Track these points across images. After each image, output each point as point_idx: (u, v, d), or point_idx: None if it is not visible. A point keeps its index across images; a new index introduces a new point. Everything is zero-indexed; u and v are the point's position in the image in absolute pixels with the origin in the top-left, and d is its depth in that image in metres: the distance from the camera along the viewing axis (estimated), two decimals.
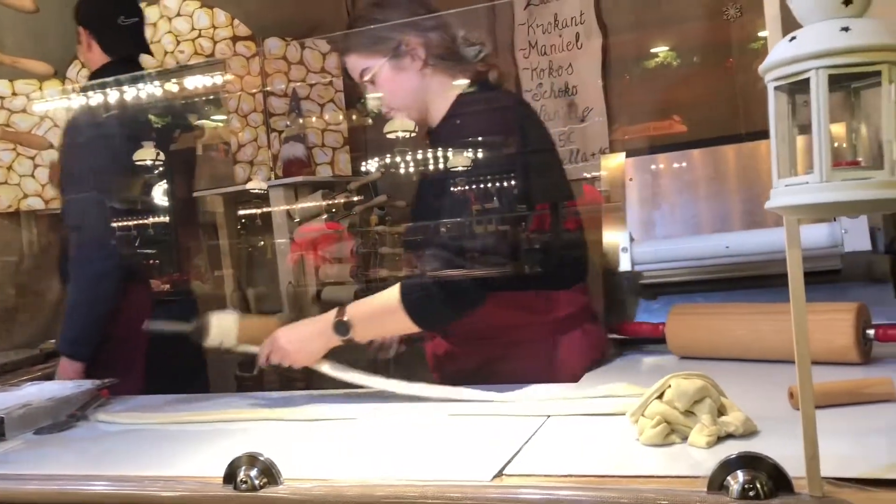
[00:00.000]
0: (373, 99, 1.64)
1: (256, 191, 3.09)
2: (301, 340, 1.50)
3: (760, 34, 3.03)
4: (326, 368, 1.51)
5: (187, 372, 2.39)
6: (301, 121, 3.05)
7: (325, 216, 3.05)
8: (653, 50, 3.19)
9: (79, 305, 2.05)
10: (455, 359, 1.61)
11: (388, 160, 3.27)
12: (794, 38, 0.72)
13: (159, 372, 2.15)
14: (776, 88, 0.75)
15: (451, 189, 1.49)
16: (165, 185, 2.68)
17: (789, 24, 0.75)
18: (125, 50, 2.29)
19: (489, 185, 1.47)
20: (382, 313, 1.46)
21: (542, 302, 1.53)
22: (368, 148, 3.28)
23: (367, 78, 1.60)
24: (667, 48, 3.20)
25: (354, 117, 3.24)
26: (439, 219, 1.49)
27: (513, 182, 1.47)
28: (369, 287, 3.16)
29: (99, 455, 1.30)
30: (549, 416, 1.21)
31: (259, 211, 3.23)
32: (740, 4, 3.04)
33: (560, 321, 1.52)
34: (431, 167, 1.61)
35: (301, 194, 3.07)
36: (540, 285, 1.51)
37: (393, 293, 1.44)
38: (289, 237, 3.05)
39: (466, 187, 1.47)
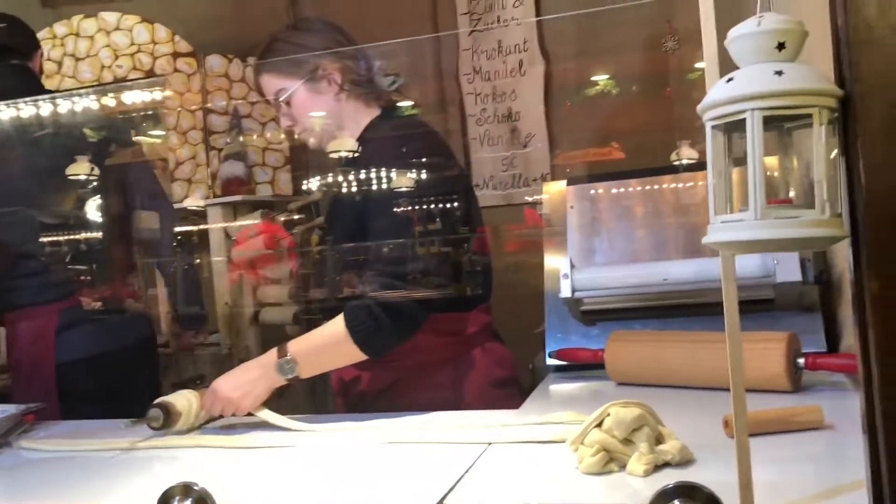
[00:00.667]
0: (285, 119, 1.66)
1: (193, 208, 3.04)
2: (243, 385, 1.44)
3: (697, 65, 3.12)
4: (266, 414, 1.45)
5: (105, 396, 2.31)
6: (241, 139, 3.01)
7: (260, 211, 2.99)
8: (593, 78, 3.26)
9: None
10: (360, 382, 1.61)
11: (330, 180, 3.26)
12: (731, 79, 0.74)
13: (74, 397, 2.08)
14: (713, 127, 0.77)
15: (382, 211, 1.50)
16: (99, 201, 2.61)
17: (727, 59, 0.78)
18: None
19: (411, 207, 1.48)
20: (328, 346, 1.44)
21: (448, 323, 1.56)
22: (310, 167, 3.26)
23: (282, 98, 1.62)
24: (607, 77, 3.27)
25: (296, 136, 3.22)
26: (364, 240, 1.49)
27: (424, 206, 1.49)
28: (309, 308, 3.13)
29: (20, 483, 1.25)
30: (489, 444, 1.21)
31: (196, 228, 3.17)
32: (678, 37, 3.13)
33: (464, 341, 1.55)
34: (359, 189, 1.61)
35: (240, 213, 3.03)
36: (447, 306, 1.53)
37: (337, 324, 1.42)
38: (226, 256, 3.01)
39: (400, 209, 1.49)
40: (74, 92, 3.06)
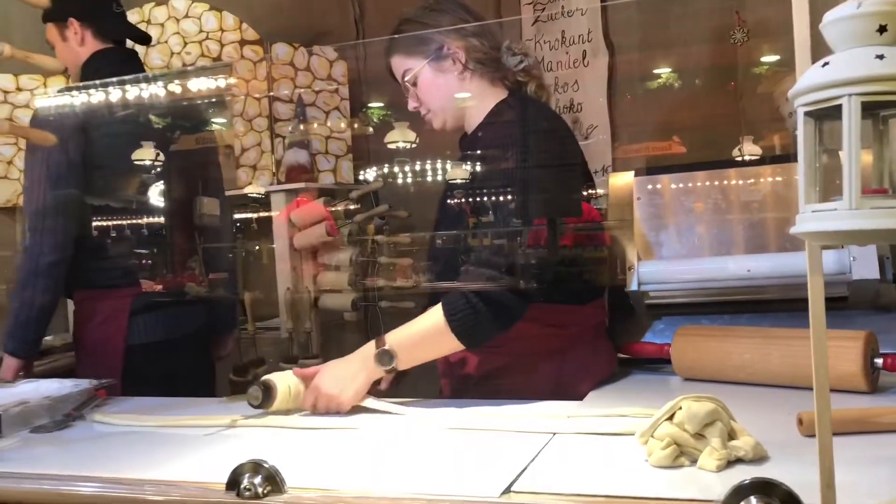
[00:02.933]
0: (412, 101, 1.63)
1: (256, 195, 3.08)
2: (343, 380, 1.44)
3: (764, 59, 3.04)
4: (371, 402, 1.45)
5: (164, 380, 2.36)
6: (304, 127, 3.04)
7: (323, 199, 2.99)
8: (657, 71, 3.20)
9: (13, 299, 2.03)
10: (466, 365, 1.59)
11: (391, 170, 3.28)
12: (826, 63, 0.72)
13: (137, 380, 2.12)
14: (805, 113, 0.75)
15: (490, 201, 1.47)
16: (162, 186, 2.67)
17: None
18: (123, 34, 2.29)
19: (516, 196, 1.46)
20: (426, 337, 1.43)
21: (558, 315, 1.52)
22: (371, 157, 3.28)
23: (408, 79, 1.61)
24: (670, 69, 3.21)
25: (356, 125, 3.24)
26: (467, 230, 1.48)
27: (544, 195, 1.46)
28: (367, 296, 3.15)
29: (94, 456, 1.28)
30: (554, 434, 1.20)
31: (256, 215, 3.22)
32: (747, 29, 3.06)
33: (574, 336, 1.51)
34: (457, 177, 1.59)
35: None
36: (560, 299, 1.50)
37: (436, 315, 1.41)
38: (288, 243, 3.04)
39: (495, 198, 1.46)
40: (143, 78, 3.13)
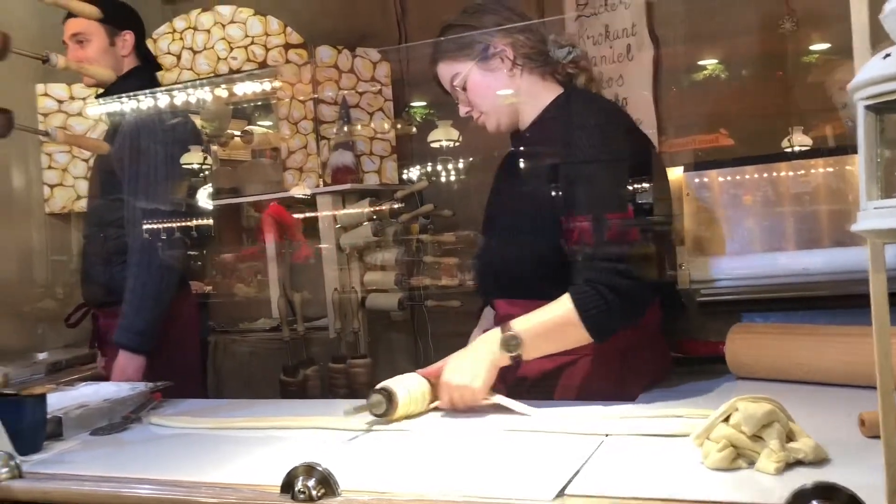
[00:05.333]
0: (463, 106, 1.62)
1: (302, 196, 3.11)
2: (471, 369, 1.41)
3: (814, 48, 2.97)
4: (499, 399, 1.40)
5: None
6: (349, 129, 3.06)
7: (368, 199, 3.02)
8: (703, 62, 3.14)
9: (144, 296, 2.06)
10: (520, 366, 1.57)
11: (434, 169, 3.28)
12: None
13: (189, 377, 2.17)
14: (866, 107, 0.72)
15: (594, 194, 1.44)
16: (211, 189, 2.71)
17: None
18: (151, 55, 2.38)
19: (590, 191, 1.43)
20: (554, 328, 1.40)
21: None
22: (415, 157, 3.29)
23: (457, 83, 1.60)
24: (716, 60, 3.15)
25: (399, 126, 3.25)
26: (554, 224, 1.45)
27: (618, 190, 1.44)
28: (413, 295, 3.16)
29: (151, 458, 1.31)
30: (607, 436, 1.19)
31: (303, 214, 3.25)
32: (797, 18, 2.98)
33: (630, 336, 1.48)
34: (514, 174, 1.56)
35: (348, 201, 3.08)
36: None
37: (563, 306, 1.39)
38: (335, 244, 3.07)
39: (564, 193, 1.44)
40: (191, 84, 3.19)
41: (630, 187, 1.47)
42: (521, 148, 1.64)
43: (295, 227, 3.31)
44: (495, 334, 1.42)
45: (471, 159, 3.28)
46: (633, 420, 1.23)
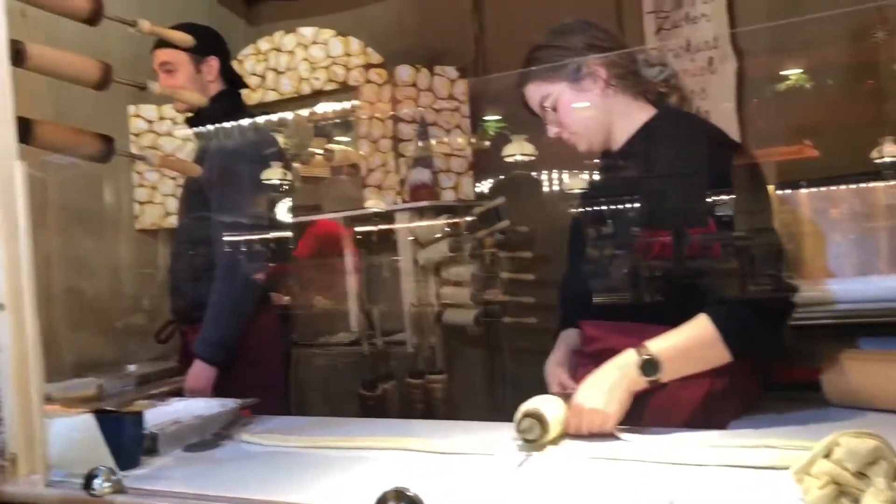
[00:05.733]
0: (552, 126, 1.61)
1: (379, 210, 3.15)
2: (606, 394, 1.37)
3: None
4: (627, 436, 1.35)
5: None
6: (427, 146, 3.09)
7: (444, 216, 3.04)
8: (789, 72, 3.06)
9: (223, 309, 2.13)
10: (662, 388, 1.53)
11: (510, 183, 3.28)
12: None
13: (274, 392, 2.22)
14: None
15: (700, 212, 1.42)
16: (290, 203, 2.78)
17: None
18: (238, 78, 2.45)
19: (694, 210, 1.41)
20: (693, 348, 1.38)
21: None
22: (492, 173, 3.29)
23: (547, 104, 1.60)
24: (800, 70, 3.06)
25: (475, 141, 3.26)
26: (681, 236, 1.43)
27: (714, 210, 1.42)
28: (489, 311, 3.16)
29: (246, 476, 1.34)
30: (699, 465, 1.16)
31: (376, 228, 3.29)
32: (889, 26, 2.88)
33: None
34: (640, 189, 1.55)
35: (425, 217, 3.11)
36: None
37: (701, 326, 1.37)
38: (412, 260, 3.10)
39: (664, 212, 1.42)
40: (275, 103, 3.28)
41: (737, 205, 1.44)
42: (615, 168, 1.62)
43: (343, 242, 3.35)
44: (630, 357, 1.39)
45: (546, 173, 3.27)
46: (726, 450, 1.20)
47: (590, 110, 1.59)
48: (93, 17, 1.53)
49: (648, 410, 1.43)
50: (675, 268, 1.43)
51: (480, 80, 3.26)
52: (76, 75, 1.50)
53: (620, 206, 1.61)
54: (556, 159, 3.10)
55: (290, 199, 2.95)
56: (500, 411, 1.49)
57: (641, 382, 1.38)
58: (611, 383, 1.38)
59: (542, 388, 1.66)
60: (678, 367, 1.39)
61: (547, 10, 3.18)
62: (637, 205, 1.54)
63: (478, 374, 3.26)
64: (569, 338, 1.76)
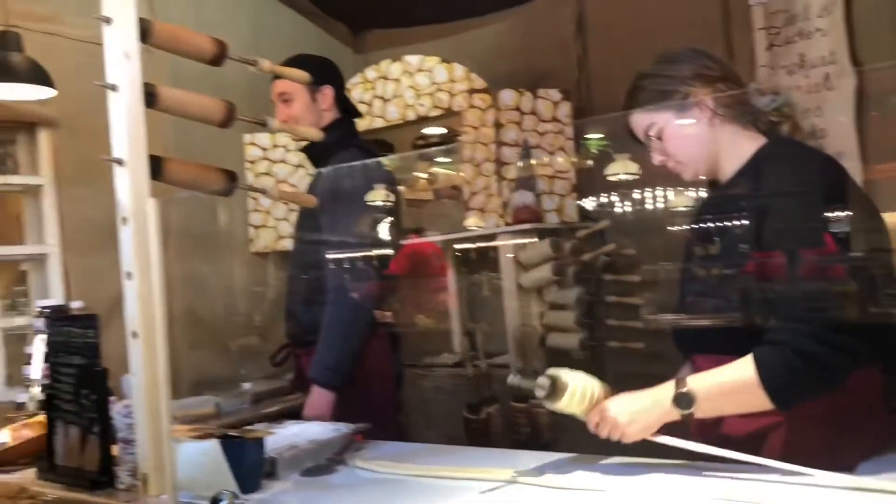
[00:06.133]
0: (656, 154, 1.59)
1: (481, 232, 3.17)
2: (635, 413, 1.39)
3: None
4: (665, 438, 1.40)
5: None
6: (530, 169, 3.10)
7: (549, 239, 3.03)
8: None
9: (336, 332, 2.17)
10: (723, 424, 1.49)
11: (615, 204, 3.24)
12: None
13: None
14: None
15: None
16: (390, 223, 2.83)
17: None
18: (352, 106, 2.51)
19: (808, 248, 1.37)
20: (732, 389, 1.36)
21: None
22: (596, 195, 3.26)
23: (652, 133, 1.57)
24: None
25: (576, 161, 3.24)
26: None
27: (832, 251, 1.36)
28: (594, 335, 3.12)
29: (359, 503, 1.37)
30: None
31: (475, 245, 3.31)
32: None
33: (850, 399, 1.37)
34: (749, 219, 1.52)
35: (528, 240, 3.11)
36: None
37: (745, 368, 1.34)
38: (515, 283, 3.09)
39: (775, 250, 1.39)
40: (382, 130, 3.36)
41: (852, 230, 1.38)
42: (722, 200, 1.58)
43: (436, 261, 3.38)
44: (668, 389, 1.39)
45: (650, 192, 3.22)
46: (852, 493, 1.14)
47: (696, 140, 1.55)
48: (217, 59, 1.62)
49: (766, 450, 1.38)
50: (790, 296, 1.38)
51: (576, 88, 3.24)
52: (203, 115, 1.58)
53: (729, 235, 1.57)
54: (663, 179, 3.05)
55: (395, 221, 3.02)
56: (607, 440, 1.48)
57: (674, 414, 1.37)
58: (642, 406, 1.40)
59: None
60: (715, 406, 1.38)
61: (652, 29, 3.14)
62: (747, 234, 1.50)
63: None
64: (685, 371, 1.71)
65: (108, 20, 1.42)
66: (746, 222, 1.47)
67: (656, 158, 1.61)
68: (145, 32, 1.48)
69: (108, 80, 1.42)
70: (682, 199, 3.15)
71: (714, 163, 1.57)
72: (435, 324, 3.57)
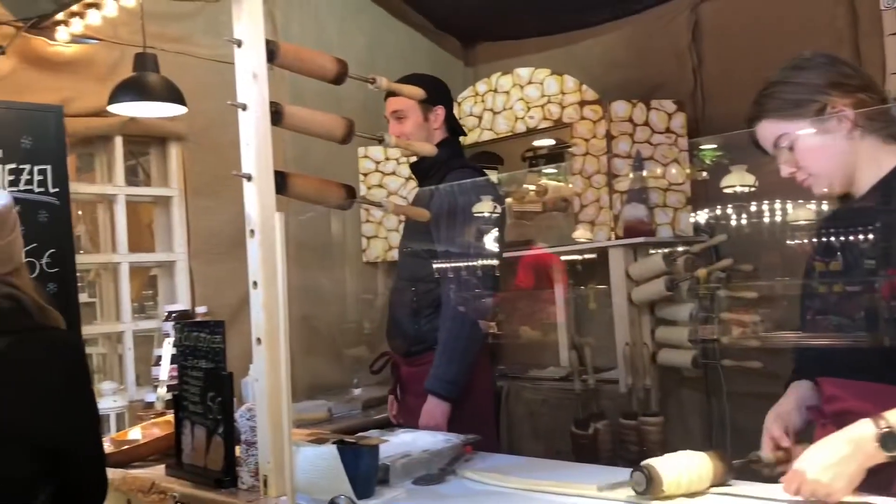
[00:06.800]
0: (786, 166, 1.52)
1: (591, 245, 3.13)
2: (833, 468, 1.28)
3: None
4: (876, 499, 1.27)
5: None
6: (643, 181, 3.04)
7: (660, 253, 2.98)
8: None
9: (456, 345, 2.21)
10: None
11: (730, 217, 3.14)
12: None
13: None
14: None
15: None
16: (496, 234, 2.83)
17: None
18: (458, 125, 2.56)
19: None
20: None
21: None
22: (709, 204, 3.17)
23: (784, 144, 1.50)
24: None
25: (690, 172, 3.16)
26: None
27: None
28: (708, 353, 3.03)
29: None
30: None
31: (583, 258, 3.27)
32: None
33: None
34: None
35: (640, 254, 3.05)
36: None
37: None
38: (626, 297, 3.04)
39: None
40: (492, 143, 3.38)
41: None
42: (853, 214, 1.50)
43: (559, 273, 3.35)
44: (867, 429, 1.27)
45: (768, 205, 3.10)
46: None
47: (833, 153, 1.47)
48: (338, 78, 1.68)
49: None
50: None
51: (690, 99, 3.15)
52: (324, 132, 1.64)
53: (860, 251, 1.49)
54: (781, 192, 2.93)
55: (505, 234, 3.03)
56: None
57: (879, 457, 1.26)
58: (841, 456, 1.28)
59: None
60: None
61: (771, 37, 3.03)
62: (880, 251, 1.42)
63: (695, 419, 3.13)
64: (800, 389, 1.64)
65: (238, 43, 1.50)
66: (881, 238, 1.40)
67: (785, 170, 1.54)
68: (273, 54, 1.55)
69: (238, 99, 1.50)
70: (803, 213, 3.04)
71: (849, 176, 1.49)
72: (541, 336, 3.55)
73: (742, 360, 2.94)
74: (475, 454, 1.78)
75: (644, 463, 1.40)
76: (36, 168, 2.46)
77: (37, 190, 2.46)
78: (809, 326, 1.58)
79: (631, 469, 1.41)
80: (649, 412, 2.92)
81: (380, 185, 3.46)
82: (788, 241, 2.95)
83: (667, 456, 1.43)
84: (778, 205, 3.02)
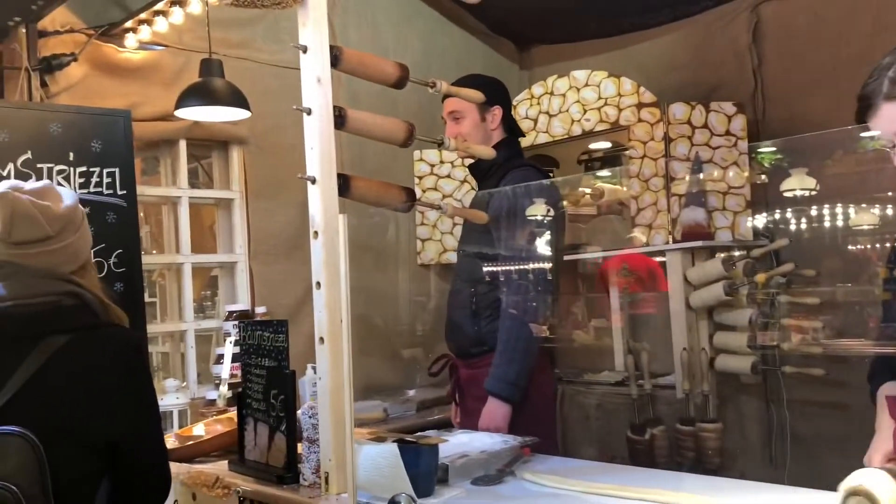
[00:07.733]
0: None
1: (648, 248, 3.09)
2: None
3: None
4: None
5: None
6: (702, 184, 3.00)
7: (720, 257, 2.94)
8: None
9: (517, 347, 2.21)
10: None
11: (790, 220, 3.08)
12: None
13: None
14: None
15: None
16: (549, 237, 2.83)
17: None
18: (517, 127, 2.55)
19: None
20: None
21: None
22: (771, 212, 3.11)
23: None
24: None
25: (752, 177, 3.10)
26: None
27: None
28: (767, 359, 2.97)
29: None
30: None
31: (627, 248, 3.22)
32: None
33: None
34: None
35: (698, 258, 3.01)
36: None
37: None
38: (684, 301, 3.00)
39: None
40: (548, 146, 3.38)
41: None
42: None
43: (651, 276, 3.32)
44: None
45: (828, 209, 3.03)
46: None
47: None
48: (399, 82, 1.71)
49: None
50: None
51: (751, 101, 3.08)
52: (385, 135, 1.67)
53: None
54: (843, 195, 2.86)
55: (563, 237, 3.01)
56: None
57: None
58: None
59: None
60: None
61: (833, 37, 2.97)
62: None
63: (753, 426, 3.07)
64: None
65: (304, 49, 1.54)
66: None
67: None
68: (336, 59, 1.58)
69: (303, 104, 1.54)
70: (866, 217, 2.96)
71: None
72: (596, 340, 3.52)
73: (804, 368, 2.88)
74: (534, 456, 1.78)
75: (855, 486, 1.22)
76: (105, 171, 2.55)
77: (105, 192, 2.54)
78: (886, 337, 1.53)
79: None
80: (707, 418, 2.88)
81: (434, 188, 3.48)
82: (851, 247, 2.88)
83: (859, 473, 1.25)
84: (840, 209, 2.96)
